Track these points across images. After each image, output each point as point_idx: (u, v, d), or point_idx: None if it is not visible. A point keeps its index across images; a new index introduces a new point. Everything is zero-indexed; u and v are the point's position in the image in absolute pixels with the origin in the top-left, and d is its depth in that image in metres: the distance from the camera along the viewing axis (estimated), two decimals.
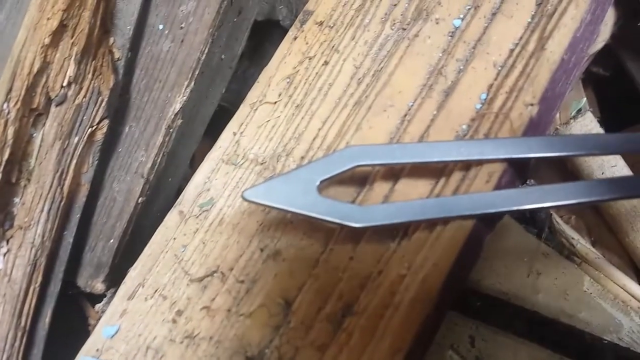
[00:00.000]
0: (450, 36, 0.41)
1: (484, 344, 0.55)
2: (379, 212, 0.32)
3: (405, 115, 0.39)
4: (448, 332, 0.56)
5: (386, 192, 0.37)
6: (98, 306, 0.46)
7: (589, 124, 0.57)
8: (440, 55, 0.40)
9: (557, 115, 0.63)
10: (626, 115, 0.63)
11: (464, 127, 0.37)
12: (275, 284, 0.36)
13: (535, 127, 0.35)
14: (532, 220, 0.55)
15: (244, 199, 0.33)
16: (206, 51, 0.44)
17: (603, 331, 0.51)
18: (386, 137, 0.39)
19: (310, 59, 0.45)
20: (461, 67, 0.39)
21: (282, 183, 0.33)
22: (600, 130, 0.57)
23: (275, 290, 0.36)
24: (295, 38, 0.46)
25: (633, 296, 0.54)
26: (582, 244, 0.57)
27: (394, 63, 0.41)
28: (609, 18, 0.55)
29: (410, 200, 0.34)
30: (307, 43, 0.46)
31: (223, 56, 0.54)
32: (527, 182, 0.56)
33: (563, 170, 0.58)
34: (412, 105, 0.39)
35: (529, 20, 0.39)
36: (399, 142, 0.36)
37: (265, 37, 0.60)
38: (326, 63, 0.44)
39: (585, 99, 0.58)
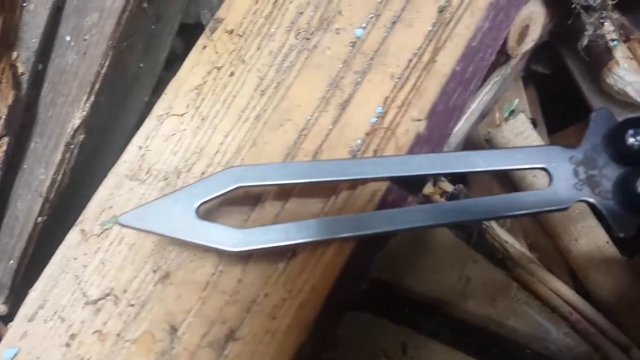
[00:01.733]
0: (352, 46, 0.39)
1: (416, 351, 0.54)
2: (258, 235, 0.31)
3: (303, 130, 0.38)
4: (380, 338, 0.55)
5: (277, 211, 0.36)
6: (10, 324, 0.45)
7: (520, 126, 0.55)
8: (341, 66, 0.39)
9: (497, 115, 0.63)
10: (568, 112, 0.62)
11: (358, 142, 0.36)
12: (161, 309, 0.35)
13: (424, 143, 0.34)
14: (461, 226, 0.54)
15: (119, 224, 0.32)
16: (106, 64, 0.42)
17: (530, 339, 0.50)
18: (282, 153, 0.38)
19: (218, 69, 0.44)
20: (358, 80, 0.38)
21: (159, 207, 0.32)
22: (532, 132, 0.56)
23: (161, 315, 0.35)
24: (204, 47, 0.45)
25: (565, 301, 0.53)
26: (516, 247, 0.56)
27: (293, 75, 0.39)
28: (539, 17, 0.53)
29: (292, 221, 0.33)
30: (217, 52, 0.44)
31: (142, 64, 0.53)
32: (456, 187, 0.56)
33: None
34: (310, 120, 0.38)
35: (430, 29, 0.38)
36: (282, 162, 0.35)
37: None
38: (232, 74, 0.43)
39: (517, 100, 0.57)
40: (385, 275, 0.55)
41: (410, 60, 0.37)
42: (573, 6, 0.51)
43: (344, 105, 0.37)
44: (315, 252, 0.33)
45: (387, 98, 0.36)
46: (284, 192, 0.36)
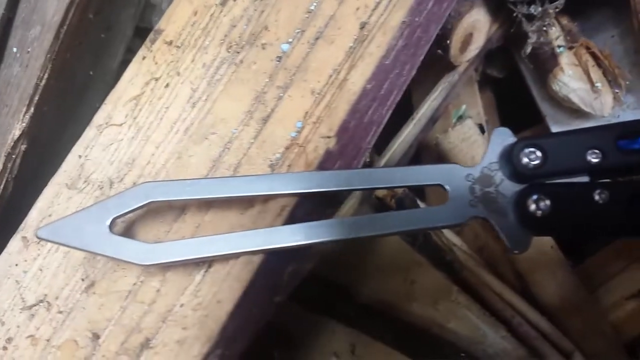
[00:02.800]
0: (277, 61, 0.40)
1: (364, 351, 0.55)
2: (166, 249, 0.33)
3: (228, 144, 0.39)
4: (330, 339, 0.57)
5: (198, 223, 0.37)
6: None
7: (467, 131, 0.56)
8: (266, 81, 0.40)
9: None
10: (525, 116, 0.63)
11: (278, 156, 0.37)
12: (85, 317, 0.36)
13: (337, 158, 0.35)
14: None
15: (38, 238, 0.33)
16: (45, 77, 0.44)
17: (469, 342, 0.51)
18: (207, 166, 0.39)
19: (156, 80, 0.45)
20: (281, 95, 0.39)
21: (73, 221, 0.33)
22: (479, 137, 0.56)
23: (85, 322, 0.36)
24: (144, 58, 0.46)
25: (509, 304, 0.54)
26: (464, 250, 0.57)
27: (219, 89, 0.40)
28: (484, 25, 0.54)
29: (201, 236, 0.34)
30: (156, 63, 0.45)
31: (92, 72, 0.54)
32: (403, 191, 0.56)
33: None
34: (235, 134, 0.39)
35: (351, 45, 0.39)
36: (195, 178, 0.36)
37: None
38: (167, 85, 0.44)
39: (464, 106, 0.57)
40: (333, 277, 0.56)
41: (330, 77, 0.38)
42: (515, 14, 0.52)
43: (265, 120, 0.38)
44: (226, 265, 0.34)
45: (307, 113, 0.37)
46: (205, 205, 0.37)
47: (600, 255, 0.57)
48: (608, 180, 0.31)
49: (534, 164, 0.31)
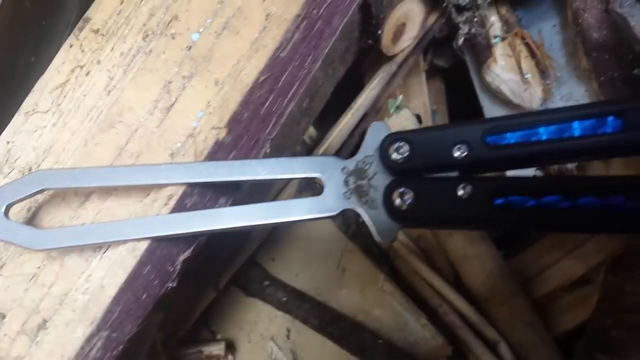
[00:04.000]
0: (187, 51, 0.41)
1: (298, 336, 0.57)
2: (57, 235, 0.34)
3: (133, 133, 0.40)
4: (270, 324, 0.58)
5: (98, 210, 0.38)
6: None
7: (403, 121, 0.57)
8: (175, 71, 0.41)
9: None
10: (474, 106, 0.63)
11: (179, 145, 0.38)
12: None
13: (228, 150, 0.36)
14: (341, 217, 0.56)
15: None
16: None
17: (392, 329, 0.52)
18: (113, 154, 0.40)
19: (81, 67, 0.46)
20: (185, 84, 0.40)
21: None
22: (415, 127, 0.57)
23: None
24: (71, 45, 0.47)
25: (437, 293, 0.55)
26: (399, 239, 0.58)
27: (130, 78, 0.41)
28: (417, 15, 0.54)
29: (95, 223, 0.35)
30: (82, 51, 0.46)
31: (33, 58, 0.55)
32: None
33: None
34: (141, 122, 0.40)
35: (257, 36, 0.39)
36: (89, 167, 0.37)
37: None
38: (88, 73, 0.45)
39: (401, 96, 0.58)
40: (267, 264, 0.57)
41: (233, 67, 0.39)
42: (445, 5, 0.52)
43: (169, 109, 0.39)
44: (115, 252, 0.35)
45: (208, 104, 0.38)
46: (106, 192, 0.38)
47: (536, 247, 0.57)
48: (477, 175, 0.32)
49: (402, 158, 0.32)
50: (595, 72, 0.49)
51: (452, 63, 0.63)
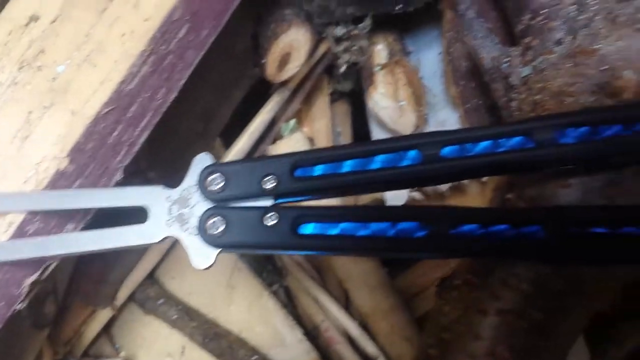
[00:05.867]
0: (52, 82, 0.43)
1: (192, 353, 0.59)
2: None
3: None
4: (166, 341, 0.60)
5: None
6: None
7: (294, 145, 0.59)
8: (38, 101, 0.43)
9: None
10: None
11: (30, 174, 0.40)
12: None
13: (71, 179, 0.38)
14: None
15: None
16: None
17: (271, 345, 0.54)
18: None
19: None
20: (44, 115, 0.42)
21: None
22: (307, 148, 0.59)
23: None
24: None
25: (322, 309, 0.58)
26: (294, 257, 0.60)
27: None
28: (303, 44, 0.56)
29: None
30: None
31: None
32: None
33: None
34: (2, 152, 0.42)
35: (108, 70, 0.42)
36: None
37: None
38: None
39: (294, 120, 0.60)
40: (166, 281, 0.60)
41: (83, 99, 0.41)
42: (323, 36, 0.55)
43: (26, 139, 0.41)
44: None
45: (58, 134, 0.41)
46: None
47: (419, 265, 0.59)
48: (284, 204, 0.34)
49: (217, 188, 0.34)
50: (462, 99, 0.52)
51: (353, 87, 0.66)
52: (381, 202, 0.57)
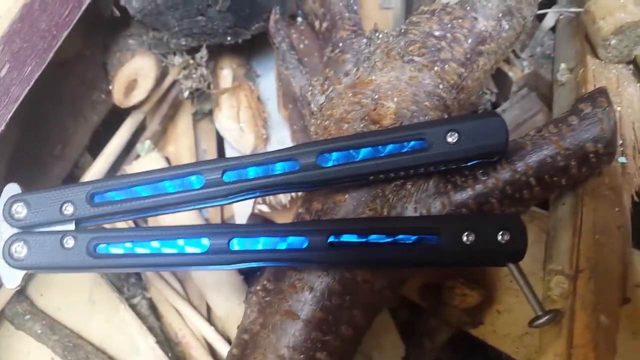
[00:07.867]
0: None
1: None
2: None
3: None
4: (39, 354, 0.63)
5: None
6: None
7: (151, 163, 0.63)
8: None
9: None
10: None
11: None
12: None
13: None
14: None
15: None
16: None
17: (128, 354, 0.58)
18: None
19: None
20: None
21: None
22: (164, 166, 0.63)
23: None
24: None
25: (182, 318, 0.62)
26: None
27: None
28: (150, 71, 0.60)
29: None
30: None
31: None
32: None
33: None
34: None
35: None
36: None
37: None
38: None
39: (148, 141, 0.64)
40: (35, 298, 0.62)
41: None
42: (164, 65, 0.59)
43: None
44: None
45: None
46: None
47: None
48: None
49: (21, 216, 0.38)
50: (290, 121, 0.58)
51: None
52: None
